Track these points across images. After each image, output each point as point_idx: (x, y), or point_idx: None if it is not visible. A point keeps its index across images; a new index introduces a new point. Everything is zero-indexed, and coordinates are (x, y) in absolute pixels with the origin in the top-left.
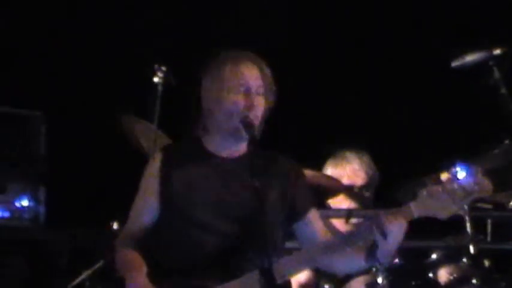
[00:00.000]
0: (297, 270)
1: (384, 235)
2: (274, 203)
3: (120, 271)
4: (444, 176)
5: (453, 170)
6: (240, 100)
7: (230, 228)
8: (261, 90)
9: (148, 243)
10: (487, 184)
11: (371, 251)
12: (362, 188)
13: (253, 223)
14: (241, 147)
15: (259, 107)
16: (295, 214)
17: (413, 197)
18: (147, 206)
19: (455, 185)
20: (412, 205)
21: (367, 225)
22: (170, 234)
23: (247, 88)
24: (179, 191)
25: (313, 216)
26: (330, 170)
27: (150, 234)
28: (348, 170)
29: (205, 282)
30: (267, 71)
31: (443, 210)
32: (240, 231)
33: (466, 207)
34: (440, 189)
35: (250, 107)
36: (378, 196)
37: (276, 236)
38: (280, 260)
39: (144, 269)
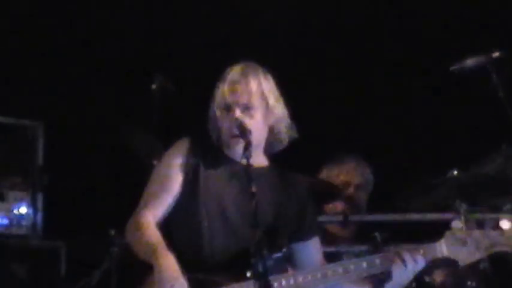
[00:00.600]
0: None
1: (402, 272)
2: (290, 219)
3: (140, 248)
4: (472, 223)
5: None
6: (223, 117)
7: (247, 233)
8: (249, 105)
9: (166, 229)
10: None
11: (381, 281)
12: (357, 187)
13: (270, 232)
14: (260, 159)
15: (247, 120)
16: (302, 234)
17: (440, 237)
18: (170, 191)
19: (483, 235)
20: (438, 246)
21: (387, 258)
22: (185, 226)
23: (226, 105)
24: (206, 188)
25: (316, 243)
26: (325, 171)
27: (167, 219)
28: (345, 168)
29: (220, 279)
30: (261, 81)
31: (466, 256)
32: (255, 235)
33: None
34: (468, 236)
35: (233, 120)
36: (375, 202)
37: (285, 245)
38: (287, 275)
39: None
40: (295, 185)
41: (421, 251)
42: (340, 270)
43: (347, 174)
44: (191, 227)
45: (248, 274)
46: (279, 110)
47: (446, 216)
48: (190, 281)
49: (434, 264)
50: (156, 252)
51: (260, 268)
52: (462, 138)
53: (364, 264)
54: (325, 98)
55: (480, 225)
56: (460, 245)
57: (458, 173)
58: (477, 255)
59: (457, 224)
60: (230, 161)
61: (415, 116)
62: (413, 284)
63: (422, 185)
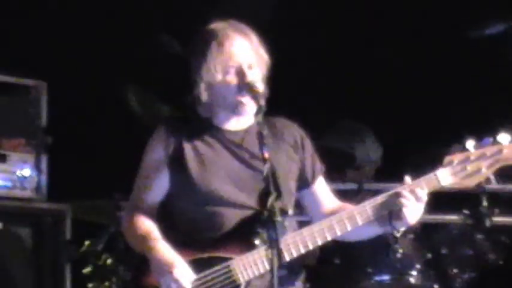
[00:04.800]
0: (314, 243)
1: (404, 208)
2: (286, 170)
3: (135, 243)
4: (470, 144)
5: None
6: (232, 81)
7: (248, 201)
8: (253, 63)
9: (160, 215)
10: None
11: (388, 218)
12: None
13: (267, 194)
14: (247, 119)
15: (255, 79)
16: (304, 181)
17: (440, 164)
18: (157, 177)
19: (484, 152)
20: (439, 173)
21: (387, 198)
22: (186, 207)
23: (237, 67)
24: (193, 164)
25: (321, 183)
26: None
27: (161, 206)
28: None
29: (225, 254)
30: (256, 40)
31: (470, 179)
32: (256, 203)
33: (492, 176)
34: (467, 158)
35: (244, 85)
36: (385, 171)
37: (289, 205)
38: (295, 233)
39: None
40: (286, 131)
41: (422, 184)
42: (345, 216)
43: None
44: (188, 207)
45: (256, 242)
46: (265, 69)
47: None
48: (195, 262)
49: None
50: (148, 243)
51: (272, 235)
52: (475, 106)
53: (368, 208)
54: (336, 65)
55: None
56: (461, 168)
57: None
58: (481, 175)
59: (456, 148)
60: (221, 130)
61: (427, 83)
62: (429, 255)
63: (433, 153)
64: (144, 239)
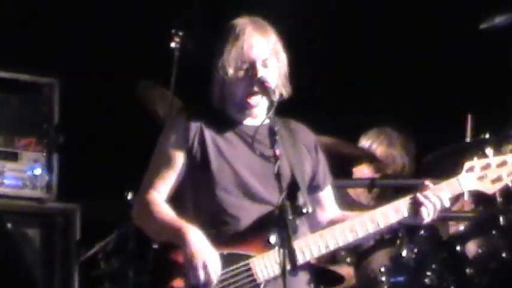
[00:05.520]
0: (336, 245)
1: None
2: (302, 169)
3: (157, 228)
4: (489, 150)
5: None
6: (243, 77)
7: (268, 195)
8: (268, 62)
9: (176, 209)
10: None
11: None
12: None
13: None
14: (261, 115)
15: (268, 77)
16: (315, 185)
17: (457, 168)
18: (175, 163)
19: (504, 160)
20: (461, 179)
21: (417, 197)
22: (203, 199)
23: (250, 63)
24: (212, 153)
25: (329, 192)
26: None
27: (177, 198)
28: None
29: (244, 251)
30: (273, 38)
31: (491, 185)
32: (275, 198)
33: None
34: (488, 163)
35: (254, 81)
36: None
37: (306, 202)
38: (315, 234)
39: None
40: (302, 133)
41: (445, 188)
42: (368, 218)
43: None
44: (207, 200)
45: (271, 239)
46: (284, 68)
47: None
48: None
49: (466, 233)
50: (180, 227)
51: (284, 235)
52: (492, 99)
53: (391, 211)
54: (356, 64)
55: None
56: (482, 175)
57: (490, 135)
58: (501, 183)
59: (473, 152)
60: (236, 123)
61: (444, 77)
62: (444, 254)
63: (452, 147)
64: (173, 223)
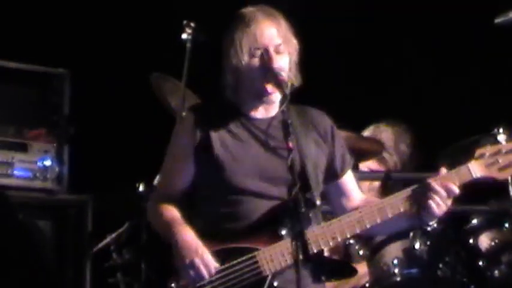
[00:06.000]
0: (343, 236)
1: (434, 200)
2: (314, 160)
3: (160, 229)
4: (502, 137)
5: None
6: (258, 64)
7: (275, 191)
8: (280, 48)
9: (185, 206)
10: None
11: (417, 211)
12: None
13: (295, 184)
14: (274, 107)
15: (282, 65)
16: (332, 173)
17: (470, 157)
18: (182, 168)
19: None
20: (471, 165)
21: (423, 189)
22: (211, 198)
23: (264, 50)
24: (219, 154)
25: (349, 177)
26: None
27: (186, 197)
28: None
29: (252, 245)
30: (284, 25)
31: (503, 171)
32: (283, 193)
33: None
34: (500, 149)
35: (269, 68)
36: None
37: (317, 195)
38: (323, 225)
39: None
40: (317, 120)
41: (454, 177)
42: (375, 209)
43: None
44: (215, 198)
45: (282, 232)
46: (295, 55)
47: None
48: (221, 253)
49: (479, 226)
50: (173, 228)
51: (296, 227)
52: (506, 93)
53: (398, 200)
54: (366, 57)
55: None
56: (493, 161)
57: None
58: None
59: (487, 140)
60: (248, 117)
61: (458, 71)
62: (457, 247)
63: (466, 141)
64: (169, 224)
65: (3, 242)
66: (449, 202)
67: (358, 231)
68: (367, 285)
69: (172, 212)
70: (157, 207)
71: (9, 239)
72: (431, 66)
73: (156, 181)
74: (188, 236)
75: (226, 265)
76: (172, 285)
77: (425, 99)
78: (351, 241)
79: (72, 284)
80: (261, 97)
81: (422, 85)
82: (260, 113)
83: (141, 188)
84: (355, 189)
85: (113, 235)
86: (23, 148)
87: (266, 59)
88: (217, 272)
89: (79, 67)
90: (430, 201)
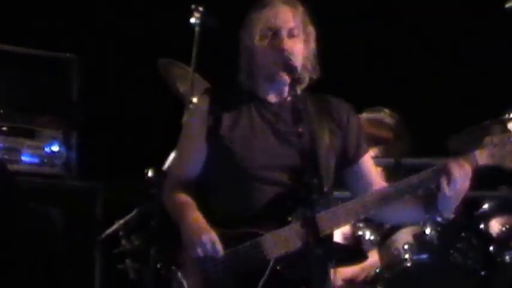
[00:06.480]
0: (346, 222)
1: (450, 184)
2: (327, 146)
3: (172, 213)
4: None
5: None
6: (269, 45)
7: (283, 177)
8: (295, 32)
9: (197, 190)
10: None
11: (431, 201)
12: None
13: (305, 171)
14: (288, 91)
15: (294, 49)
16: (346, 159)
17: (479, 145)
18: (195, 151)
19: None
20: (477, 153)
21: (429, 173)
22: (220, 183)
23: (275, 32)
24: (229, 139)
25: (366, 163)
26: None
27: (198, 180)
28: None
29: (259, 231)
30: (301, 10)
31: (510, 160)
32: (291, 179)
33: None
34: (508, 136)
35: (281, 51)
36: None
37: (326, 181)
38: (328, 211)
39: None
40: (334, 107)
41: (464, 160)
42: (392, 190)
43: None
44: (225, 184)
45: (289, 218)
46: (313, 43)
47: None
48: (228, 237)
49: (489, 211)
50: (184, 209)
51: (306, 213)
52: None
53: (415, 181)
54: (377, 42)
55: None
56: (500, 149)
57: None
58: None
59: (496, 128)
60: (261, 101)
61: (469, 56)
62: (468, 232)
63: (477, 127)
64: (181, 206)
65: (13, 227)
66: (466, 183)
67: (362, 217)
68: (377, 270)
69: (183, 196)
70: (170, 191)
71: (19, 224)
72: (439, 52)
73: (165, 166)
74: (198, 217)
75: (231, 249)
76: (179, 273)
77: (430, 83)
78: (361, 225)
79: (81, 269)
80: (272, 81)
81: (430, 71)
82: (273, 97)
83: (150, 174)
84: (373, 177)
85: (122, 221)
86: (30, 134)
87: (277, 40)
88: (223, 256)
89: (88, 52)
90: (445, 183)
